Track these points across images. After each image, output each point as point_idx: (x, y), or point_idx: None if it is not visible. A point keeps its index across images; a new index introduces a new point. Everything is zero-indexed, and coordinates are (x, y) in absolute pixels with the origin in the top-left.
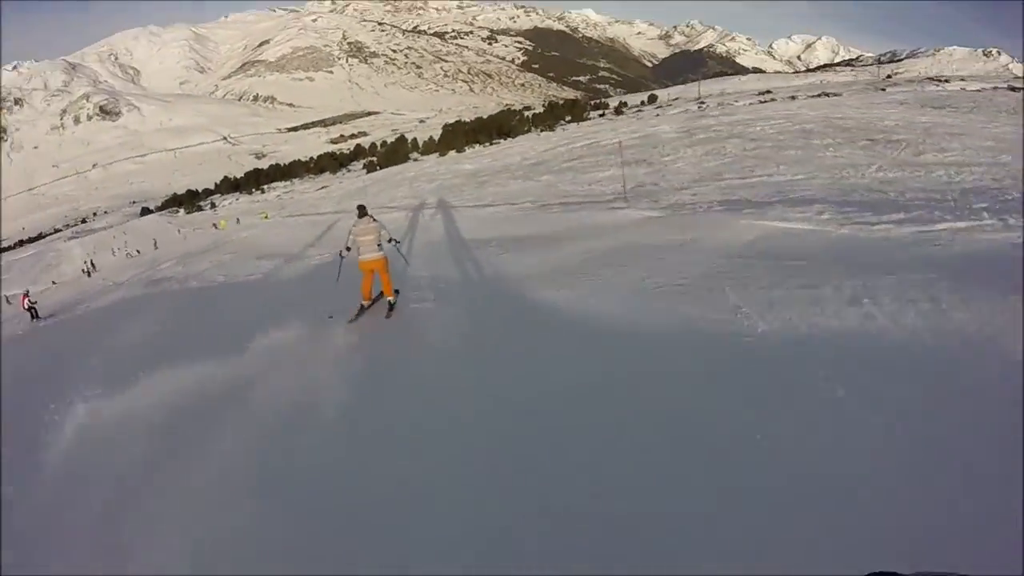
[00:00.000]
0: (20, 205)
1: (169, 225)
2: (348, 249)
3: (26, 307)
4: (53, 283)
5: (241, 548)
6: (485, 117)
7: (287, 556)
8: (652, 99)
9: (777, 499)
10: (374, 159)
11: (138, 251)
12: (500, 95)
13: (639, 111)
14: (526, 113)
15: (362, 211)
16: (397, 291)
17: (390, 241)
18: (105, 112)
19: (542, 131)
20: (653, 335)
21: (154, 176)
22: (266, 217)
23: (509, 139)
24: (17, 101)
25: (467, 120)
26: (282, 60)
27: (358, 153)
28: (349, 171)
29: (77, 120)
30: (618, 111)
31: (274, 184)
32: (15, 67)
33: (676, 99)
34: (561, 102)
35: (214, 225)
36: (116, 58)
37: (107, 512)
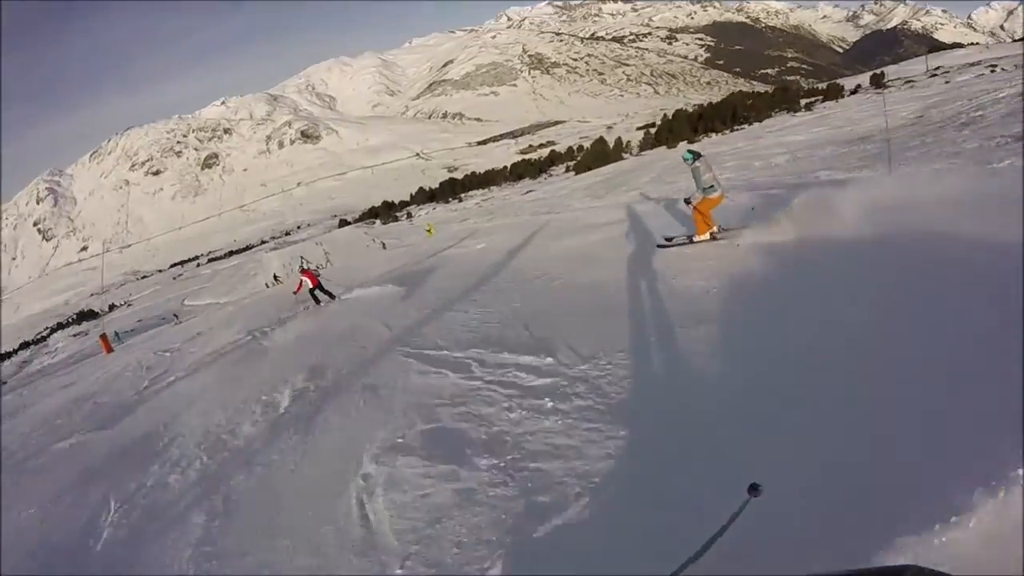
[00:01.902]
0: (233, 220)
1: (364, 236)
2: (712, 187)
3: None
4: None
5: None
6: (707, 105)
7: None
8: (874, 80)
9: None
10: (576, 161)
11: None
12: (686, 95)
13: (867, 92)
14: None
15: (698, 155)
16: None
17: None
18: (306, 136)
19: (794, 112)
20: None
21: (352, 191)
22: (430, 232)
23: (748, 124)
24: (227, 131)
25: (677, 112)
26: (466, 78)
27: (554, 159)
28: (550, 175)
29: (281, 144)
30: (835, 96)
31: (471, 192)
32: (223, 102)
33: (895, 79)
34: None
35: (428, 231)
36: (313, 88)
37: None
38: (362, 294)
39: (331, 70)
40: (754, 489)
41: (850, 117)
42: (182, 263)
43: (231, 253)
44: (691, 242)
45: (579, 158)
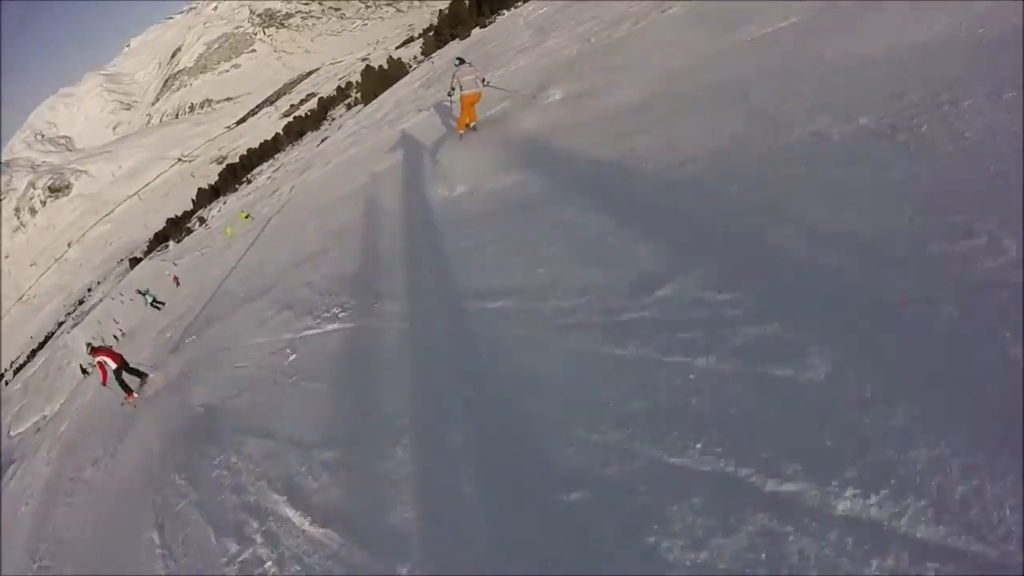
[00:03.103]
0: (19, 317)
1: (163, 264)
2: (454, 89)
3: None
4: None
5: None
6: (438, 18)
7: None
8: None
9: None
10: (357, 95)
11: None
12: (429, 4)
13: None
14: None
15: (462, 61)
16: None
17: (484, 82)
18: (55, 190)
19: None
20: None
21: (129, 227)
22: (246, 217)
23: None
24: None
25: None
26: (201, 60)
27: (328, 104)
28: (332, 119)
29: (33, 211)
30: None
31: (256, 170)
32: None
33: None
34: None
35: (228, 232)
36: (42, 135)
37: None
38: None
39: (55, 108)
40: None
41: None
42: None
43: (34, 352)
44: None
45: (359, 92)
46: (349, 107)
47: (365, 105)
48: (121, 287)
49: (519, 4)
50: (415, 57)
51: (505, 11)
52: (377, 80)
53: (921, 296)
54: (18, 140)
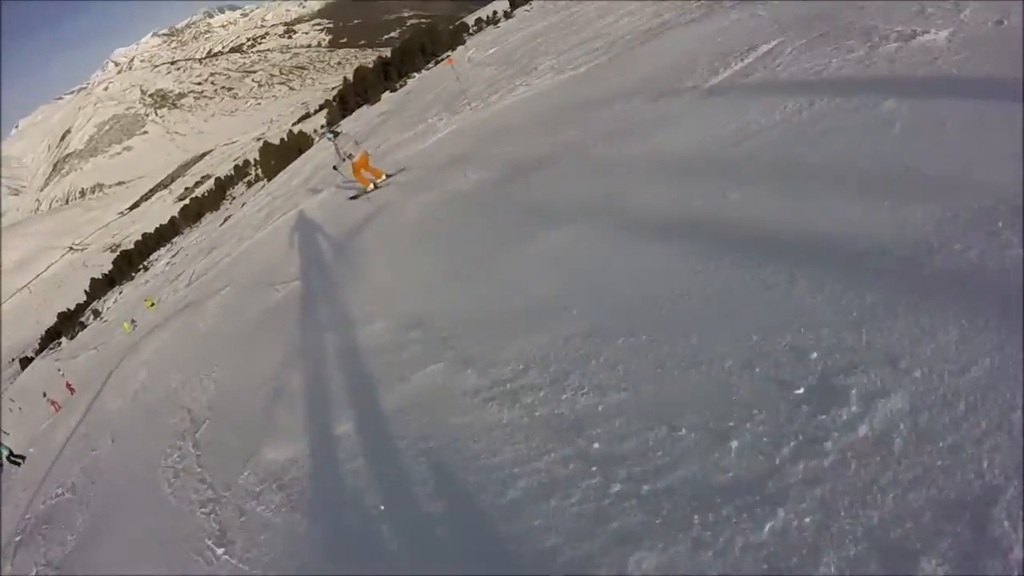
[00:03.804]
0: None
1: (56, 363)
2: (345, 158)
3: None
4: None
5: None
6: (343, 86)
7: None
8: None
9: None
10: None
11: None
12: (321, 81)
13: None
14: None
15: (337, 133)
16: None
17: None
18: None
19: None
20: None
21: (19, 323)
22: (152, 304)
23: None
24: None
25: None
26: (92, 142)
27: (226, 184)
28: (234, 198)
29: None
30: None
31: (154, 255)
32: None
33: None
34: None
35: (126, 329)
36: None
37: None
38: None
39: None
40: None
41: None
42: None
43: None
44: (366, 193)
45: (258, 169)
46: (249, 184)
47: (269, 180)
48: (10, 393)
49: (430, 65)
50: (319, 127)
51: (416, 73)
52: (278, 155)
53: None
54: None
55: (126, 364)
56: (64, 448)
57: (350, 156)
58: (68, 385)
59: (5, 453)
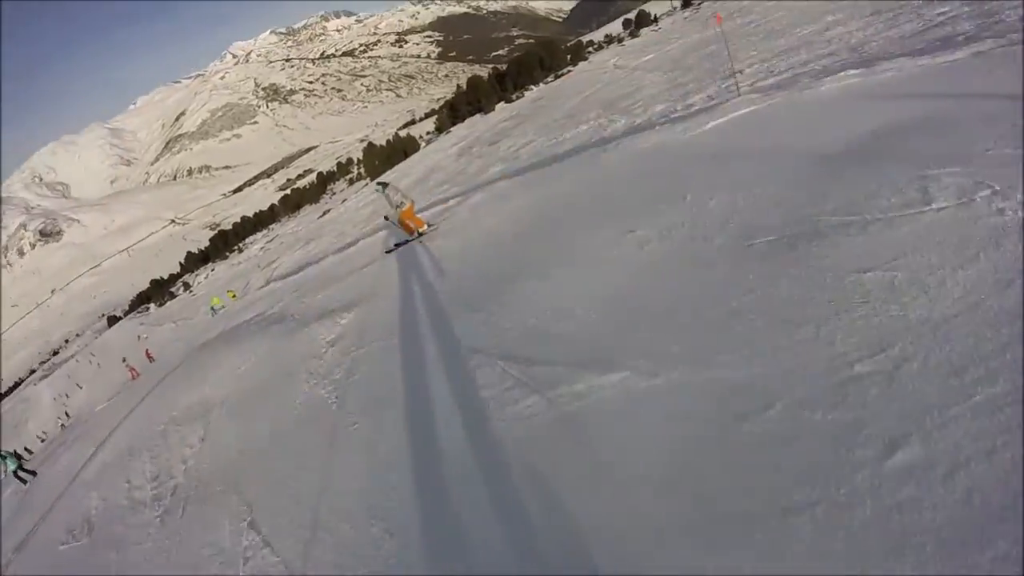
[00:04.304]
0: None
1: (141, 327)
2: (398, 207)
3: None
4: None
5: None
6: (455, 94)
7: None
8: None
9: None
10: (359, 172)
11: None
12: (428, 92)
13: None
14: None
15: (385, 185)
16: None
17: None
18: (46, 235)
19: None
20: None
21: (115, 282)
22: (234, 296)
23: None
24: None
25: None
26: (204, 126)
27: (327, 179)
28: (334, 193)
29: (21, 252)
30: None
31: (249, 239)
32: None
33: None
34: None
35: (212, 309)
36: (41, 179)
37: None
38: None
39: (56, 153)
40: None
41: None
42: None
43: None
44: (407, 243)
45: (361, 167)
46: (351, 182)
47: (372, 180)
48: (95, 347)
49: (549, 79)
50: (425, 134)
51: (533, 85)
52: (383, 156)
53: None
54: (16, 179)
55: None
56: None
57: (400, 205)
58: (148, 353)
59: (12, 467)
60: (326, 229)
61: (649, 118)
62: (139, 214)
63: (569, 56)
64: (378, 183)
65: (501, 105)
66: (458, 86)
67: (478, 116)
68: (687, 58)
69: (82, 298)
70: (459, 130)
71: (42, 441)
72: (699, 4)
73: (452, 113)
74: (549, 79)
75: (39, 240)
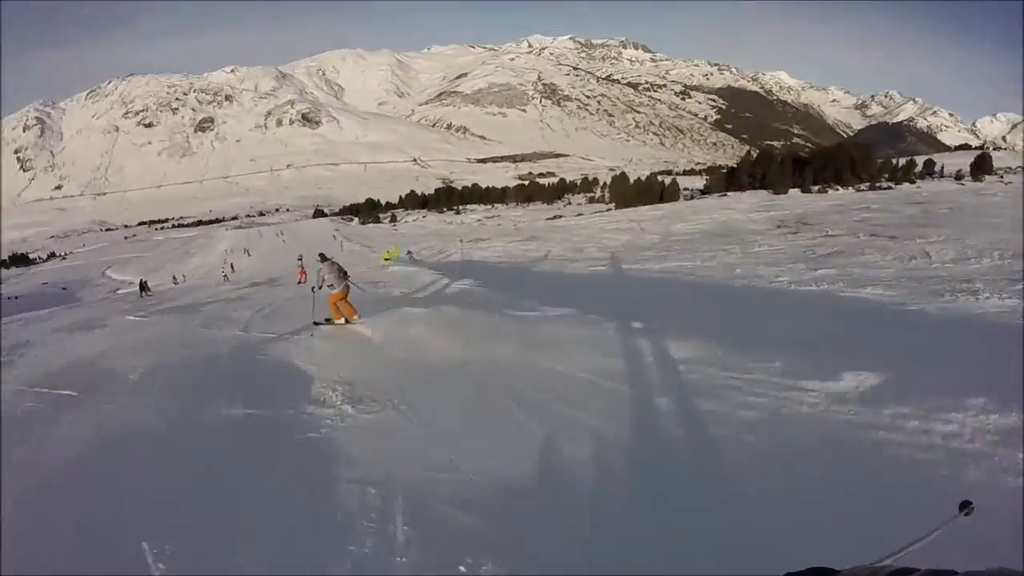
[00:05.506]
0: (214, 189)
1: (334, 232)
2: (322, 285)
3: None
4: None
5: None
6: (740, 159)
7: None
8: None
9: None
10: (600, 192)
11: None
12: (691, 152)
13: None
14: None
15: (325, 258)
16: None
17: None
18: (306, 119)
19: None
20: None
21: (341, 184)
22: (386, 257)
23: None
24: (228, 97)
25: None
26: (477, 94)
27: (567, 187)
28: (569, 203)
29: (280, 123)
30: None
31: (471, 206)
32: (232, 70)
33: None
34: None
35: (386, 257)
36: (323, 73)
37: None
38: None
39: (345, 59)
40: (965, 506)
41: None
42: (150, 223)
43: (200, 223)
44: (327, 323)
45: (606, 192)
46: (591, 200)
47: (616, 207)
48: (290, 228)
49: (862, 187)
50: (684, 188)
51: (839, 186)
52: (632, 191)
53: None
54: (302, 65)
55: None
56: None
57: (332, 286)
58: (301, 272)
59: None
60: (554, 233)
61: None
62: (390, 140)
63: (884, 172)
64: (320, 255)
65: (794, 192)
66: (749, 151)
67: (763, 192)
68: None
69: (308, 183)
70: (745, 196)
71: (175, 283)
72: None
73: (729, 176)
74: (863, 187)
75: (298, 120)
